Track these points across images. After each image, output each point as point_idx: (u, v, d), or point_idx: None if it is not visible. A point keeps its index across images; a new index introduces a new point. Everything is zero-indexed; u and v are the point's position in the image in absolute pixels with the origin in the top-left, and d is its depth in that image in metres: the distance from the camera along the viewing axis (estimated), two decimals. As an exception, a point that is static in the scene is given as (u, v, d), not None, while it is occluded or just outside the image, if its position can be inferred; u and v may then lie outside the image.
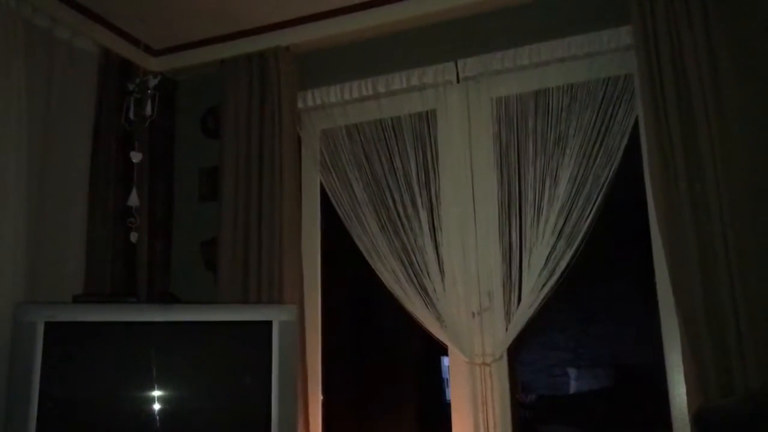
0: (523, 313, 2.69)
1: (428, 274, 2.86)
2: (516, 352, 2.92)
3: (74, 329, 2.42)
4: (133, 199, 3.16)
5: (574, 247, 2.66)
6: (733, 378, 2.26)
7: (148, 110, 3.22)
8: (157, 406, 2.45)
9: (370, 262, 2.97)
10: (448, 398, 3.19)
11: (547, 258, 2.67)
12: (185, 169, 3.47)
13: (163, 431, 2.42)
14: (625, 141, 2.67)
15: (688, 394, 2.36)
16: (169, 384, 2.49)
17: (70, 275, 2.89)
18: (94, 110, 3.09)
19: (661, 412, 2.62)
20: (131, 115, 3.21)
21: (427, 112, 3.01)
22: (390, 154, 3.02)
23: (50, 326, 2.37)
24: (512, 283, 2.73)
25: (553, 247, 2.68)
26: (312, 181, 3.23)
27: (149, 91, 3.21)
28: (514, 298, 2.72)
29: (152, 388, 2.45)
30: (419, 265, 2.88)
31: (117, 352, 2.47)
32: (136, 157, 3.19)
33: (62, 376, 2.37)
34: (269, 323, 2.55)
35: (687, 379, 2.37)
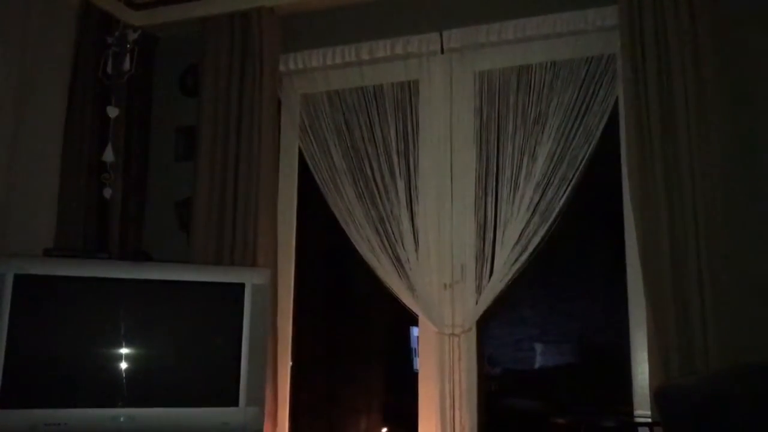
0: (494, 287, 2.72)
1: (403, 244, 2.87)
2: (484, 325, 2.95)
3: (44, 283, 2.40)
4: (108, 155, 3.11)
5: (548, 224, 2.69)
6: (695, 359, 2.31)
7: (127, 65, 3.16)
8: (125, 364, 2.45)
9: (346, 229, 2.97)
10: (415, 368, 3.22)
11: (520, 233, 2.70)
12: (162, 126, 3.43)
13: (131, 389, 2.43)
14: (604, 121, 2.69)
15: (650, 372, 2.42)
16: (138, 342, 2.49)
17: (42, 229, 2.86)
18: (71, 62, 3.04)
19: (623, 388, 2.67)
20: (109, 69, 3.15)
21: (409, 82, 3.00)
22: (370, 123, 3.01)
23: (20, 279, 2.35)
24: (485, 257, 2.76)
25: (528, 223, 2.70)
26: (290, 146, 3.21)
27: (128, 46, 3.15)
28: (486, 272, 2.75)
29: (121, 345, 2.45)
30: (394, 235, 2.89)
31: (87, 307, 2.47)
32: (112, 111, 3.14)
33: (30, 329, 2.36)
34: (242, 286, 2.56)
35: (650, 358, 2.42)
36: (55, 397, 2.36)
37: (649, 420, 2.41)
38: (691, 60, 2.46)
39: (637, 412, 2.57)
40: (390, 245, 2.89)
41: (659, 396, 2.02)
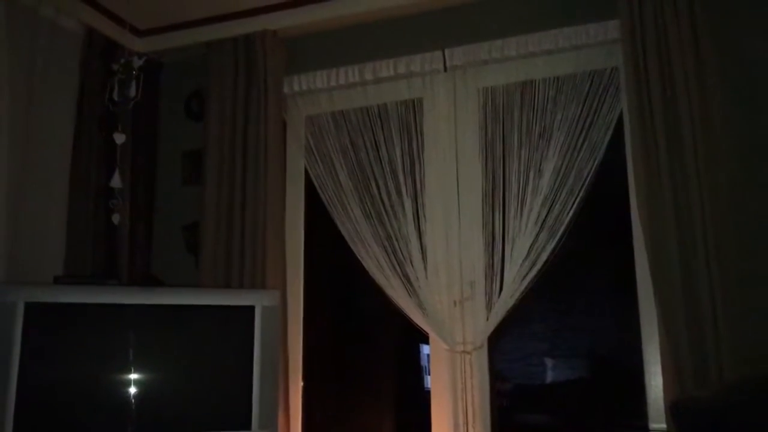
0: (504, 303, 2.72)
1: (411, 262, 2.87)
2: (494, 341, 2.93)
3: (55, 310, 2.40)
4: (116, 181, 3.13)
5: (556, 239, 2.68)
6: (708, 371, 2.29)
7: (132, 91, 3.18)
8: (137, 390, 2.44)
9: (354, 249, 2.97)
10: (426, 386, 3.21)
11: (529, 249, 2.70)
12: (169, 151, 3.44)
13: (143, 416, 2.42)
14: (609, 134, 2.70)
15: (664, 385, 2.40)
16: (150, 367, 2.48)
17: (51, 256, 2.87)
18: (77, 90, 3.06)
19: (638, 403, 2.65)
20: (115, 96, 3.18)
21: (413, 100, 3.02)
22: (376, 142, 3.02)
23: (30, 307, 2.35)
24: (494, 273, 2.75)
25: (536, 238, 2.70)
26: (296, 167, 3.22)
27: (134, 72, 3.17)
28: (496, 288, 2.74)
29: (133, 372, 2.44)
30: (402, 253, 2.89)
31: (98, 334, 2.46)
32: (119, 138, 3.16)
33: (42, 357, 2.35)
34: (252, 308, 2.55)
35: (664, 370, 2.40)
36: (68, 424, 2.36)
37: (665, 433, 2.40)
38: (694, 70, 2.47)
39: (652, 425, 2.55)
40: (398, 263, 2.89)
41: (675, 409, 2.01)
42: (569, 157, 2.72)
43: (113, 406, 2.42)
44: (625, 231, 2.69)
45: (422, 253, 2.87)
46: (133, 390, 2.43)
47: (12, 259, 2.67)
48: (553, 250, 2.68)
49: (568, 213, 2.69)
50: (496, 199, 2.80)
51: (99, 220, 3.10)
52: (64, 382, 2.39)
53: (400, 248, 2.89)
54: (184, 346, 2.55)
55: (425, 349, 3.18)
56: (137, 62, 3.22)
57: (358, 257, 2.96)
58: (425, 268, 2.85)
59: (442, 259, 2.83)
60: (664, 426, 2.44)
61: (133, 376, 2.44)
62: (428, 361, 3.01)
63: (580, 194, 2.69)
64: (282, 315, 2.88)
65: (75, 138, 3.02)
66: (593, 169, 2.69)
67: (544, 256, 2.69)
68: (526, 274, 2.69)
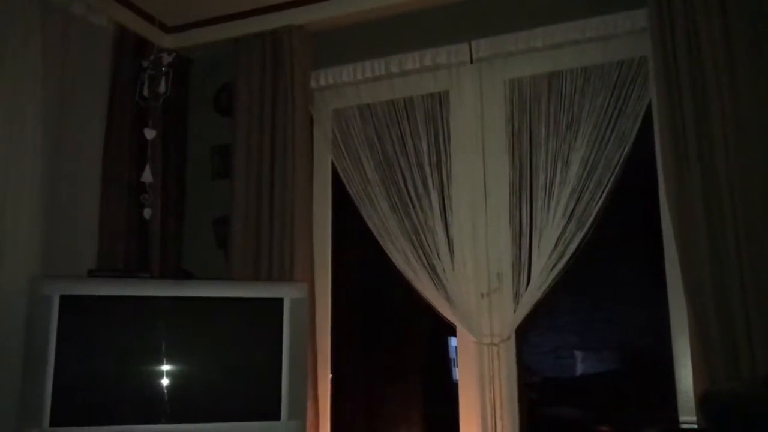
0: (531, 295, 2.71)
1: (438, 254, 2.87)
2: (522, 333, 2.93)
3: (89, 303, 2.45)
4: (147, 176, 3.18)
5: (584, 230, 2.67)
6: (739, 362, 2.27)
7: (162, 87, 3.23)
8: (168, 380, 2.48)
9: (381, 242, 2.98)
10: (454, 378, 3.21)
11: (557, 240, 2.69)
12: (198, 146, 3.49)
13: (174, 405, 2.47)
14: (638, 124, 2.67)
15: (694, 377, 2.38)
16: (180, 359, 2.52)
17: (84, 251, 2.92)
18: (108, 87, 3.11)
19: (668, 395, 2.63)
20: (145, 92, 3.23)
21: (439, 92, 3.02)
22: (402, 135, 3.03)
23: (66, 300, 2.40)
24: (522, 265, 2.75)
25: (564, 230, 2.69)
26: (323, 161, 3.24)
27: (163, 69, 3.22)
28: (523, 280, 2.74)
29: (164, 363, 2.49)
30: (429, 246, 2.89)
31: (130, 325, 2.51)
32: (149, 134, 3.21)
33: (77, 349, 2.41)
34: (280, 300, 2.58)
35: (694, 362, 2.38)
36: (102, 414, 2.41)
37: (695, 426, 2.38)
38: (725, 59, 2.43)
39: (682, 418, 2.53)
40: (425, 256, 2.90)
41: (705, 402, 1.99)
42: (597, 147, 2.70)
43: (145, 396, 2.46)
44: (654, 222, 2.67)
45: (449, 245, 2.87)
46: (164, 380, 2.48)
47: (47, 254, 2.73)
48: (582, 241, 2.67)
49: (597, 204, 2.67)
50: (524, 191, 2.79)
51: (131, 214, 3.15)
52: (98, 371, 2.44)
53: (426, 241, 2.90)
54: (214, 337, 2.59)
55: (453, 341, 3.19)
56: (167, 59, 3.27)
57: (385, 250, 2.97)
58: (452, 260, 2.85)
59: (469, 251, 2.84)
60: (694, 418, 2.42)
61: (165, 366, 2.49)
62: (456, 354, 3.01)
63: (609, 185, 2.67)
64: (310, 307, 2.91)
65: (106, 134, 3.07)
66: (622, 159, 2.67)
67: (572, 248, 2.67)
68: (554, 265, 2.68)
